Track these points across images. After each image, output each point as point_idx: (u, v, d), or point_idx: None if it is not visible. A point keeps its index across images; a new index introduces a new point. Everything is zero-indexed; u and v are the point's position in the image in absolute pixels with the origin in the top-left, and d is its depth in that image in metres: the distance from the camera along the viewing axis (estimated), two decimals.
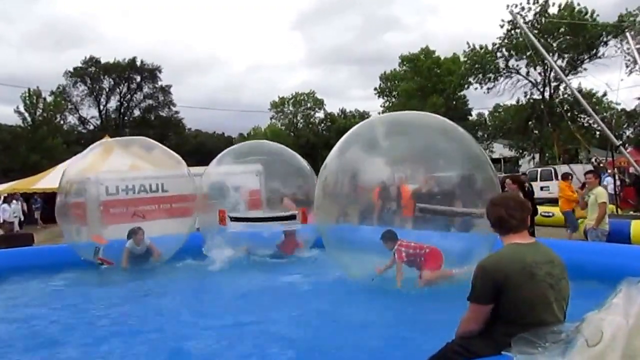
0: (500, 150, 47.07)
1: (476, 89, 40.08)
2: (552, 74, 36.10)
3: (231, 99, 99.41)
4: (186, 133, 65.97)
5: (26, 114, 48.54)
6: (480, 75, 38.62)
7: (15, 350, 5.45)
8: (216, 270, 9.70)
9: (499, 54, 37.07)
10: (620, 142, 18.78)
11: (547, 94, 37.03)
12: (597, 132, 37.07)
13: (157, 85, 61.44)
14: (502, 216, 3.38)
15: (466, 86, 43.40)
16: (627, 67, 32.47)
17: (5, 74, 72.59)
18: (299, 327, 6.01)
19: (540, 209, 16.49)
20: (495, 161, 49.07)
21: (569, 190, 13.47)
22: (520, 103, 39.15)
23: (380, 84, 53.38)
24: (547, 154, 37.05)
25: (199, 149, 56.76)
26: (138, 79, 60.76)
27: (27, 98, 48.12)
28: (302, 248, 11.09)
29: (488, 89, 38.96)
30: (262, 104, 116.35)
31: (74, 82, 58.79)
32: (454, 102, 46.13)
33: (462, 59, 40.83)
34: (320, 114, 65.53)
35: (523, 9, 34.06)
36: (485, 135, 45.41)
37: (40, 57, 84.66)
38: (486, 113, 52.59)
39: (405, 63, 48.62)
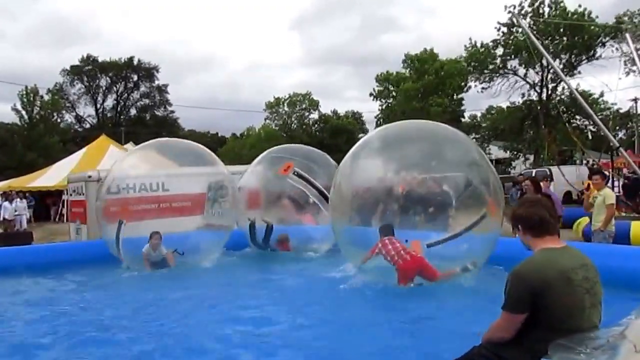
0: (496, 151, 47.21)
1: (475, 86, 40.12)
2: (550, 76, 36.25)
3: (227, 99, 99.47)
4: (180, 133, 65.89)
5: (23, 112, 48.36)
6: (477, 73, 38.66)
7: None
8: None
9: (497, 52, 37.11)
10: (619, 145, 18.86)
11: (544, 96, 37.14)
12: (591, 134, 37.17)
13: (153, 85, 61.47)
14: (544, 217, 3.26)
15: (466, 89, 43.48)
16: (625, 68, 32.67)
17: (4, 72, 72.52)
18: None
19: None
20: (497, 163, 49.29)
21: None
22: (515, 104, 39.27)
23: (376, 86, 53.41)
24: (541, 155, 37.20)
25: None
26: (135, 78, 60.76)
27: (24, 96, 47.95)
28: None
29: (483, 88, 39.06)
30: (258, 104, 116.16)
31: (71, 81, 58.76)
32: (453, 104, 46.19)
33: (463, 54, 40.65)
34: (314, 115, 65.65)
35: (522, 7, 34.17)
36: (481, 137, 45.49)
37: (39, 55, 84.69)
38: (479, 115, 52.68)
39: (409, 63, 48.48)
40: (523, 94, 38.47)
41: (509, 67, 37.74)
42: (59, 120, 53.29)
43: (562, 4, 34.55)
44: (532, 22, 32.15)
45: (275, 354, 5.16)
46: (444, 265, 7.53)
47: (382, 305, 6.90)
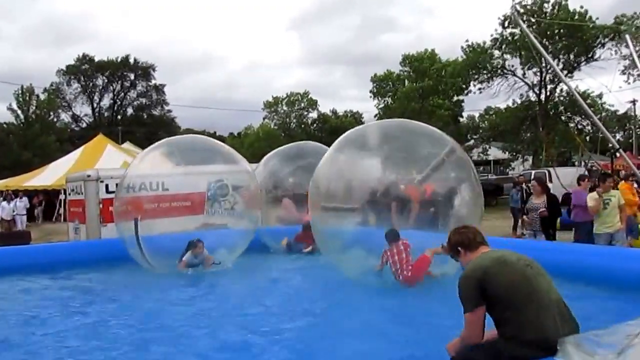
0: (495, 152, 47.17)
1: (474, 85, 40.06)
2: (549, 76, 36.22)
3: (225, 98, 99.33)
4: (177, 132, 65.75)
5: (19, 112, 48.18)
6: (475, 72, 38.58)
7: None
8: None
9: (495, 52, 37.07)
10: (619, 146, 18.83)
11: (542, 96, 37.10)
12: (588, 136, 37.24)
13: (150, 84, 61.31)
14: (475, 235, 3.81)
15: (466, 92, 43.44)
16: (624, 70, 32.76)
17: (1, 71, 72.30)
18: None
19: None
20: (494, 163, 49.28)
21: (630, 193, 12.39)
22: (514, 105, 39.22)
23: (374, 86, 53.29)
24: (541, 156, 37.16)
25: None
26: (132, 77, 60.60)
27: (19, 95, 47.76)
28: None
29: (480, 89, 39.01)
30: (256, 103, 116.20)
31: (68, 80, 58.53)
32: (452, 105, 46.12)
33: (460, 56, 40.58)
34: (313, 114, 65.59)
35: (525, 6, 34.11)
36: (479, 138, 45.43)
37: (36, 55, 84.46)
38: (476, 115, 52.67)
39: (408, 63, 48.37)
40: (522, 95, 38.47)
41: (507, 68, 37.69)
42: (55, 119, 53.13)
43: (564, 4, 34.48)
44: (533, 21, 32.05)
45: None
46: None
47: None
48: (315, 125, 64.54)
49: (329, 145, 9.70)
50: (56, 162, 30.98)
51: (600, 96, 35.99)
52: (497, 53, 36.93)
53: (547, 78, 36.37)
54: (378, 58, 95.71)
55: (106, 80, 60.46)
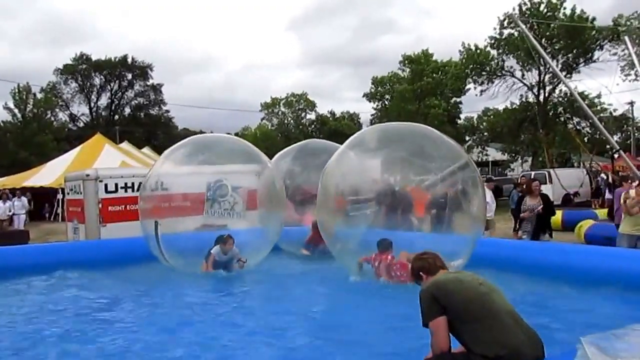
0: (494, 153, 47.16)
1: (475, 88, 40.03)
2: (547, 77, 36.19)
3: (223, 99, 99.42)
4: (175, 132, 65.63)
5: (16, 110, 47.98)
6: (475, 74, 38.56)
7: None
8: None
9: (493, 52, 37.02)
10: (619, 147, 18.80)
11: (541, 97, 37.08)
12: (586, 137, 37.21)
13: (148, 84, 61.07)
14: (435, 260, 4.15)
15: (464, 92, 43.38)
16: (622, 71, 32.72)
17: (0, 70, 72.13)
18: None
19: None
20: (493, 164, 49.26)
21: None
22: (513, 106, 39.17)
23: (371, 88, 53.31)
24: (540, 158, 37.11)
25: None
26: (129, 76, 60.37)
27: (16, 94, 47.56)
28: None
29: (482, 90, 38.97)
30: (254, 104, 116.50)
31: (65, 79, 58.30)
32: (450, 107, 46.05)
33: (458, 58, 40.55)
34: (311, 116, 65.58)
35: (525, 9, 34.10)
36: (478, 139, 45.41)
37: (35, 54, 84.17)
38: (475, 117, 52.65)
39: (407, 63, 48.30)
40: (521, 96, 38.44)
41: (506, 68, 37.65)
42: (52, 118, 52.90)
43: (563, 7, 34.53)
44: (532, 22, 32.00)
45: None
46: None
47: None
48: (313, 126, 64.47)
49: None
50: (53, 161, 30.80)
51: (599, 97, 36.03)
52: (495, 54, 36.90)
53: (546, 79, 36.37)
54: (376, 59, 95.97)
55: (104, 80, 60.19)
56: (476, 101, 74.75)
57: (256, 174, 12.49)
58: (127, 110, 62.46)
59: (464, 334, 3.59)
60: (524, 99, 38.33)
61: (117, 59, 58.71)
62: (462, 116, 49.67)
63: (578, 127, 37.19)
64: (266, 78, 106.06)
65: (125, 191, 12.38)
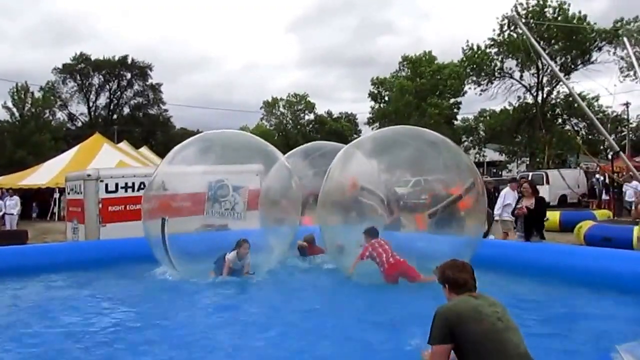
0: (491, 154, 47.22)
1: (474, 89, 40.11)
2: (545, 79, 36.32)
3: (221, 99, 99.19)
4: (173, 132, 65.49)
5: (14, 110, 47.77)
6: (475, 74, 38.65)
7: None
8: None
9: (491, 51, 37.10)
10: (619, 149, 18.83)
11: (539, 98, 37.19)
12: (582, 139, 37.36)
13: (147, 83, 60.89)
14: (468, 280, 3.97)
15: (462, 93, 43.42)
16: (621, 72, 32.85)
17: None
18: None
19: None
20: (489, 165, 49.31)
21: None
22: (511, 107, 39.30)
23: (372, 88, 53.48)
24: (537, 158, 37.22)
25: None
26: (128, 76, 60.18)
27: (15, 93, 47.37)
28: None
29: (482, 91, 39.07)
30: (252, 104, 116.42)
31: (64, 79, 58.11)
32: (447, 107, 46.12)
33: (459, 58, 40.65)
34: (310, 116, 65.62)
35: (527, 11, 34.18)
36: (476, 139, 45.51)
37: (34, 54, 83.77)
38: (471, 117, 52.81)
39: (406, 64, 48.40)
40: (519, 97, 38.54)
41: (505, 69, 37.77)
42: (50, 118, 52.68)
43: (565, 7, 34.60)
44: (532, 23, 32.08)
45: None
46: (427, 265, 7.58)
47: None
48: (311, 126, 64.50)
49: None
50: (51, 160, 30.69)
51: (597, 98, 36.18)
52: (495, 54, 37.00)
53: (544, 80, 36.50)
54: (375, 60, 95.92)
55: (102, 79, 60.07)
56: (473, 102, 74.86)
57: (257, 173, 12.54)
58: (126, 109, 62.38)
59: None
60: (522, 100, 38.47)
61: (116, 59, 58.55)
62: (459, 117, 49.86)
63: (576, 129, 37.34)
64: (264, 78, 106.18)
65: (126, 191, 12.35)
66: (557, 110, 37.15)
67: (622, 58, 32.06)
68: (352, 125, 64.59)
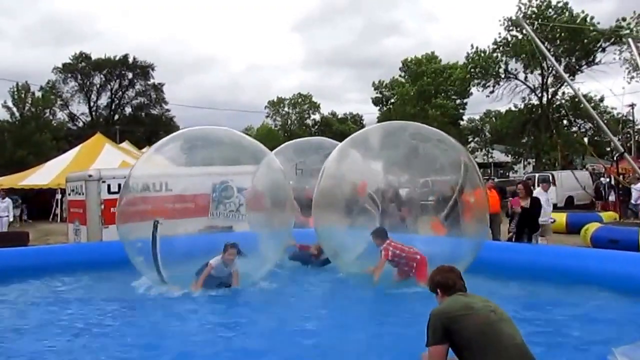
0: (498, 155, 47.08)
1: (482, 91, 39.99)
2: (550, 80, 36.14)
3: (226, 99, 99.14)
4: (176, 132, 65.21)
5: (14, 109, 47.68)
6: (480, 77, 38.51)
7: None
8: None
9: (496, 55, 36.97)
10: (624, 150, 18.67)
11: (544, 100, 37.03)
12: (587, 138, 37.16)
13: (149, 83, 60.70)
14: (456, 281, 4.10)
15: (467, 95, 43.32)
16: (628, 73, 32.66)
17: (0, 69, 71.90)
18: None
19: None
20: (496, 166, 49.15)
21: None
22: (517, 108, 39.17)
23: (375, 92, 53.57)
24: (544, 159, 37.04)
25: None
26: (130, 76, 59.99)
27: (15, 93, 47.28)
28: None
29: (491, 92, 38.93)
30: (257, 105, 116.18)
31: (64, 78, 57.94)
32: (452, 108, 45.99)
33: (463, 61, 40.55)
34: (316, 116, 65.70)
35: (530, 11, 34.06)
36: (482, 141, 45.39)
37: (36, 53, 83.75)
38: (477, 118, 52.69)
39: (407, 68, 48.42)
40: (524, 98, 38.41)
41: (509, 71, 37.63)
42: (51, 117, 52.56)
43: (567, 9, 34.43)
44: (536, 24, 31.94)
45: None
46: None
47: None
48: (316, 127, 64.49)
49: None
50: (52, 161, 30.53)
51: (602, 99, 36.01)
52: (499, 56, 36.86)
53: (549, 81, 36.34)
54: (380, 62, 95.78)
55: (104, 79, 59.83)
56: (479, 103, 74.88)
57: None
58: (128, 109, 62.12)
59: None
60: (527, 101, 38.32)
61: (117, 58, 58.36)
62: (465, 118, 49.77)
63: (582, 130, 37.18)
64: (269, 79, 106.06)
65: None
66: (562, 111, 36.93)
67: (626, 60, 31.89)
68: (358, 127, 64.52)
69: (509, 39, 35.79)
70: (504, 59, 37.06)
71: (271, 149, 13.38)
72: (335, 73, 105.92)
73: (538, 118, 36.52)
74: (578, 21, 33.76)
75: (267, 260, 8.58)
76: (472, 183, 8.12)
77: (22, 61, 77.67)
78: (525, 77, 37.42)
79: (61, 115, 58.39)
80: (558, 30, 33.43)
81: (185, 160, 9.47)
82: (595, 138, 37.55)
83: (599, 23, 34.36)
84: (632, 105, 41.87)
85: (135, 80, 60.34)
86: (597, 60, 35.07)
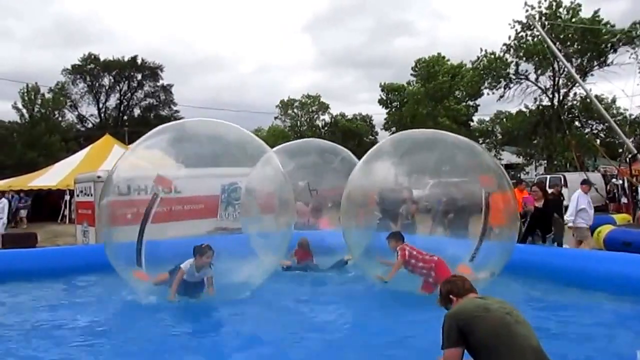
0: (508, 157, 46.81)
1: (493, 93, 39.80)
2: (562, 81, 35.89)
3: (236, 100, 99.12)
4: None
5: (24, 110, 47.92)
6: (491, 80, 38.32)
7: None
8: None
9: (507, 56, 36.77)
10: (636, 151, 18.42)
11: (556, 101, 36.78)
12: (598, 139, 36.90)
13: (158, 84, 60.83)
14: (465, 283, 4.18)
15: (481, 94, 43.15)
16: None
17: (9, 71, 72.38)
18: None
19: None
20: (507, 167, 48.90)
21: None
22: (528, 109, 38.91)
23: (381, 95, 53.51)
24: (555, 161, 36.74)
25: None
26: (139, 77, 60.16)
27: (25, 94, 47.52)
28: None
29: (500, 96, 38.76)
30: (266, 106, 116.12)
31: (73, 80, 58.19)
32: (462, 110, 45.79)
33: (470, 65, 40.39)
34: (325, 117, 65.67)
35: (540, 9, 33.86)
36: (493, 142, 45.17)
37: (45, 55, 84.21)
38: (487, 119, 52.42)
39: (418, 69, 48.28)
40: (535, 99, 38.16)
41: (520, 72, 37.39)
42: (60, 119, 52.81)
43: (579, 10, 34.19)
44: (547, 24, 31.72)
45: None
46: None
47: None
48: (326, 128, 64.45)
49: None
50: (61, 162, 30.59)
51: (614, 100, 35.72)
52: (510, 58, 36.67)
53: (560, 82, 36.10)
54: (390, 62, 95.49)
55: (113, 80, 60.05)
56: (489, 104, 74.49)
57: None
58: (137, 111, 62.26)
59: None
60: (538, 102, 38.08)
61: (126, 60, 58.55)
62: (475, 119, 49.53)
63: (594, 131, 36.89)
64: (279, 80, 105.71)
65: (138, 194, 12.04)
66: (574, 112, 36.66)
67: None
68: (367, 126, 64.42)
69: (520, 39, 35.52)
70: (514, 60, 36.82)
71: None
72: (345, 73, 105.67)
73: (549, 119, 36.25)
74: (590, 22, 33.50)
75: (269, 264, 8.13)
76: (501, 187, 7.89)
77: (31, 63, 78.21)
78: (537, 78, 37.18)
79: (70, 116, 58.78)
80: (570, 30, 33.17)
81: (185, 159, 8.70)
82: (608, 140, 37.23)
83: (613, 25, 34.08)
84: None
85: (144, 82, 60.55)
86: (608, 61, 34.81)
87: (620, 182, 26.32)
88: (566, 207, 12.19)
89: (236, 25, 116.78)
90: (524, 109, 39.33)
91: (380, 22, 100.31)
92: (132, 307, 7.45)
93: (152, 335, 6.17)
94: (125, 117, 61.11)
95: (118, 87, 60.73)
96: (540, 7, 34.36)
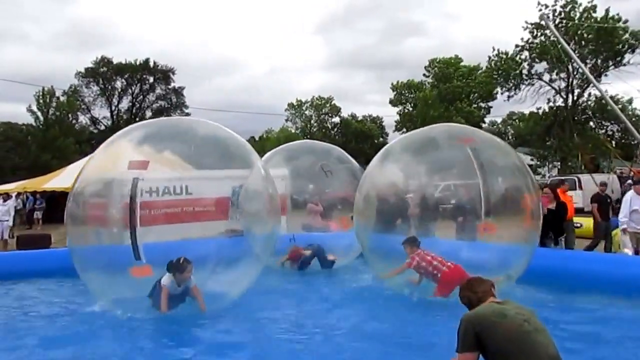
0: (522, 158, 46.48)
1: (502, 94, 39.53)
2: (576, 81, 35.54)
3: (246, 102, 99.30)
4: None
5: (39, 113, 48.33)
6: (502, 80, 38.05)
7: None
8: None
9: (522, 57, 36.49)
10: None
11: (570, 101, 36.43)
12: (614, 141, 36.49)
13: (170, 87, 61.12)
14: (486, 289, 4.06)
15: (495, 96, 42.90)
16: None
17: (23, 74, 73.07)
18: None
19: None
20: None
21: None
22: (541, 110, 38.59)
23: (395, 94, 53.22)
24: (569, 163, 36.36)
25: None
26: (151, 80, 60.48)
27: (40, 97, 47.93)
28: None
29: (509, 96, 38.43)
30: (277, 107, 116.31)
31: (87, 83, 58.62)
32: (475, 111, 45.51)
33: (484, 64, 40.17)
34: (335, 119, 65.63)
35: (555, 11, 33.58)
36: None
37: (61, 57, 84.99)
38: (499, 120, 52.04)
39: (432, 69, 48.05)
40: (548, 100, 37.82)
41: (533, 72, 37.08)
42: (74, 121, 53.23)
43: (594, 10, 33.85)
44: (561, 25, 31.41)
45: None
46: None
47: None
48: (336, 129, 64.38)
49: (349, 152, 9.21)
50: (74, 164, 30.70)
51: (630, 101, 35.29)
52: (524, 55, 36.39)
53: (575, 83, 35.74)
54: (401, 63, 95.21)
55: (125, 83, 60.40)
56: (501, 105, 73.92)
57: (282, 178, 12.08)
58: (149, 113, 62.49)
59: None
60: (552, 103, 37.73)
61: (138, 63, 58.90)
62: (487, 120, 49.22)
63: (609, 132, 36.48)
64: (290, 81, 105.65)
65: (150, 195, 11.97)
66: (589, 113, 36.27)
67: None
68: (377, 127, 64.23)
69: (534, 41, 35.25)
70: (527, 60, 36.52)
71: None
72: (356, 74, 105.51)
73: (563, 120, 35.90)
74: (604, 21, 33.15)
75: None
76: (528, 188, 7.84)
77: (46, 66, 78.87)
78: (550, 79, 36.84)
79: (83, 119, 59.18)
80: (585, 29, 32.84)
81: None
82: (623, 141, 36.78)
83: (626, 21, 33.66)
84: None
85: (156, 85, 60.85)
86: (624, 61, 34.42)
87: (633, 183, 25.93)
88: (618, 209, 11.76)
89: (247, 27, 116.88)
90: (536, 110, 39.01)
91: (391, 22, 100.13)
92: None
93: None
94: (137, 120, 61.31)
95: (130, 90, 61.05)
96: (555, 4, 34.02)
